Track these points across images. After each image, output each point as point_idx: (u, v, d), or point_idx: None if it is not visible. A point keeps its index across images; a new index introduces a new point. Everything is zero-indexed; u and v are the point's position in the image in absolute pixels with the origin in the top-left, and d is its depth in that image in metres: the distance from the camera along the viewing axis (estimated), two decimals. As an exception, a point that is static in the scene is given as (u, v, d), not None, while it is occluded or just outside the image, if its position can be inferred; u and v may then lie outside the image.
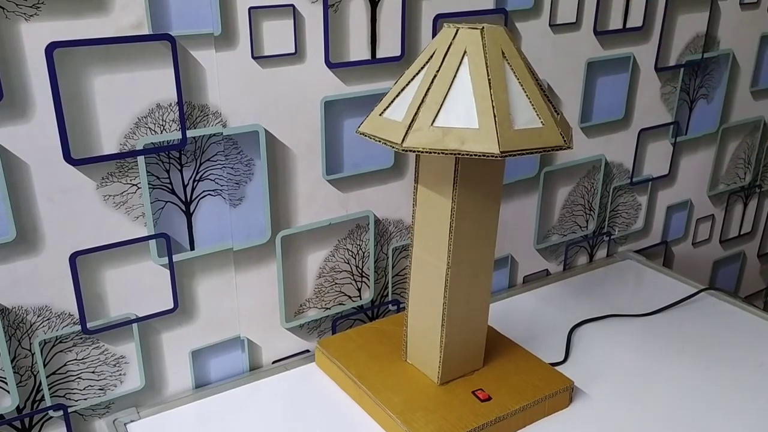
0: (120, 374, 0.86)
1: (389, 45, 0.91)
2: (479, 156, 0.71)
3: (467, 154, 0.72)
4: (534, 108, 0.75)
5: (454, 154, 0.72)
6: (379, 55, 0.91)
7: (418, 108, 0.74)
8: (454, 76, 0.74)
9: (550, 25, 1.04)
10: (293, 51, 0.85)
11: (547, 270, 1.22)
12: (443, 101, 0.74)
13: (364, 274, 1.01)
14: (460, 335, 0.87)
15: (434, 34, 0.94)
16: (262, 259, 0.91)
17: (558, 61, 1.07)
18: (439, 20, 0.94)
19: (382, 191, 0.98)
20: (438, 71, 0.75)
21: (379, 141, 0.76)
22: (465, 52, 0.74)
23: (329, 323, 1.01)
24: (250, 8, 0.80)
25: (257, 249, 0.91)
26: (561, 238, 1.21)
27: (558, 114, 0.79)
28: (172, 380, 0.90)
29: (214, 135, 0.83)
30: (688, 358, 1.00)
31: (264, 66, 0.83)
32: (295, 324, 0.98)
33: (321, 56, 0.87)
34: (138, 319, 0.85)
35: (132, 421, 0.85)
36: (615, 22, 1.11)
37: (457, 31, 0.75)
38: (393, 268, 1.04)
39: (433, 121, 0.73)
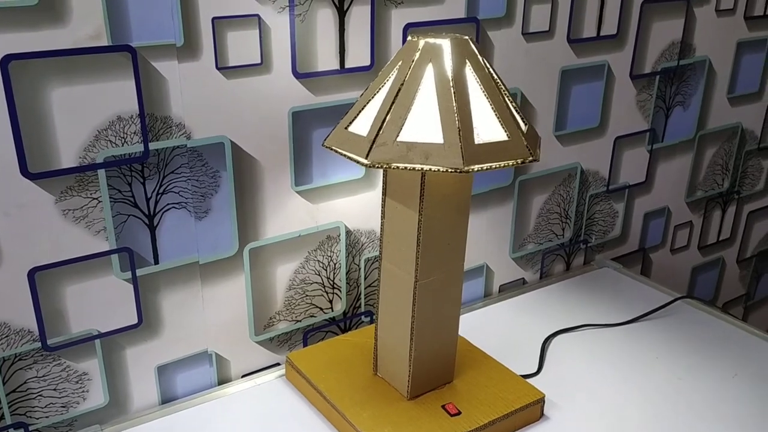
0: (83, 391, 0.84)
1: (358, 54, 0.90)
2: (444, 171, 0.70)
3: (432, 170, 0.70)
4: (500, 121, 0.73)
5: (419, 170, 0.71)
6: (348, 65, 0.90)
7: (383, 122, 0.73)
8: (419, 89, 0.73)
9: (523, 34, 1.03)
10: (259, 61, 0.83)
11: (523, 279, 1.21)
12: (407, 115, 0.72)
13: (335, 285, 1.00)
14: (430, 349, 0.86)
15: (404, 38, 0.93)
16: (230, 271, 0.90)
17: (531, 69, 1.06)
18: (409, 29, 0.93)
19: (353, 202, 0.97)
20: (402, 84, 0.73)
21: (345, 156, 0.74)
22: (430, 64, 0.73)
23: (300, 336, 1.00)
24: (214, 18, 0.79)
25: (224, 262, 0.89)
26: (537, 247, 1.20)
27: (527, 125, 0.78)
28: (137, 396, 0.88)
29: (178, 147, 0.81)
30: (662, 368, 0.99)
31: (229, 77, 0.82)
32: (265, 337, 0.96)
33: (288, 66, 0.85)
34: (101, 335, 0.83)
35: (95, 439, 0.84)
36: (589, 30, 1.10)
37: (422, 42, 0.74)
38: (365, 279, 1.02)
39: (398, 135, 0.72)
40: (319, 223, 0.95)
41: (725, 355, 1.03)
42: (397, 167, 0.71)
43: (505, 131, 0.73)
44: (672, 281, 1.46)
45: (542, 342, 1.04)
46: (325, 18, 0.86)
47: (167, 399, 0.91)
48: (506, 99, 0.76)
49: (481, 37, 0.99)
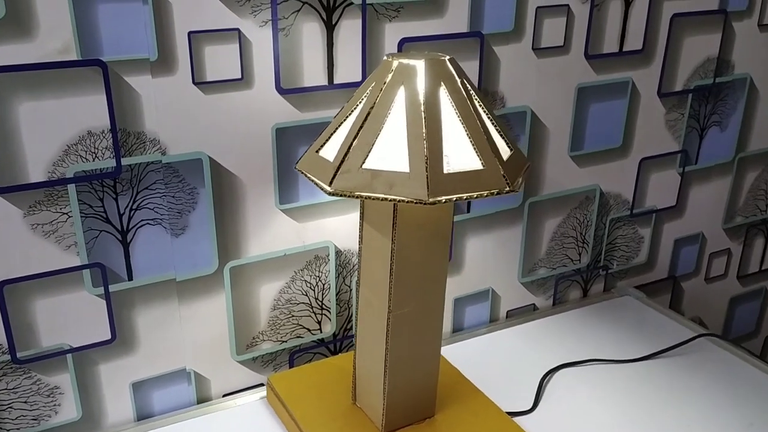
0: (54, 404, 0.84)
1: (349, 70, 0.86)
2: (408, 202, 0.66)
3: (394, 200, 0.66)
4: (474, 148, 0.69)
5: (382, 200, 0.67)
6: (338, 80, 0.86)
7: (349, 148, 0.69)
8: (389, 113, 0.69)
9: (533, 49, 0.98)
10: (239, 76, 0.81)
11: (534, 305, 1.15)
12: (375, 141, 0.68)
13: (324, 306, 0.97)
14: (407, 382, 0.82)
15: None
16: (210, 290, 0.88)
17: (544, 86, 1.00)
18: (405, 44, 0.89)
19: (344, 221, 0.93)
20: (372, 108, 0.69)
21: (312, 181, 0.71)
22: (402, 86, 0.69)
23: (286, 356, 0.97)
24: (190, 33, 0.77)
25: (203, 280, 0.87)
26: (550, 272, 1.14)
27: (513, 150, 0.73)
28: (112, 412, 0.87)
29: (153, 163, 0.79)
30: (672, 411, 0.92)
31: (207, 92, 0.79)
32: (248, 357, 0.94)
33: (271, 82, 0.82)
34: (72, 350, 0.82)
35: (65, 453, 0.83)
36: (610, 45, 1.03)
37: (395, 63, 0.70)
38: (357, 300, 0.99)
39: (363, 162, 0.68)
40: (306, 242, 0.92)
41: (744, 401, 0.94)
42: (360, 196, 0.67)
43: (480, 159, 0.68)
44: (706, 312, 1.37)
45: (541, 377, 0.98)
46: (311, 32, 0.83)
47: (143, 416, 0.90)
48: (486, 124, 0.71)
49: (486, 53, 0.94)
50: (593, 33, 1.01)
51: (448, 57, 0.71)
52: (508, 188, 0.69)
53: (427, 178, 0.66)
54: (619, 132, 1.10)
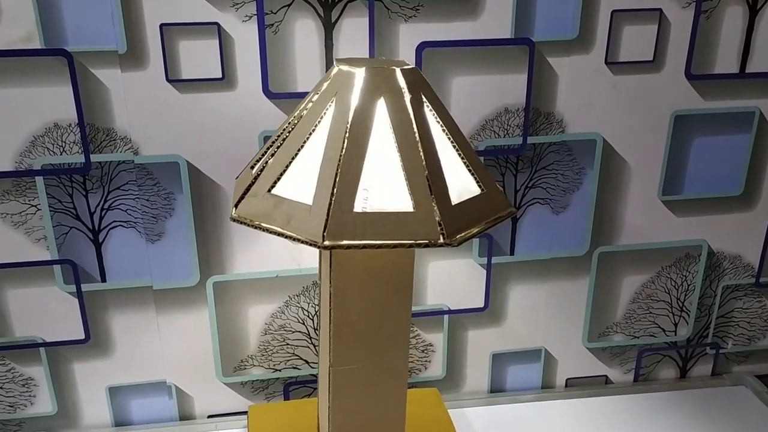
0: (30, 395, 0.83)
1: (354, 76, 0.75)
2: (302, 242, 0.53)
3: (290, 237, 0.54)
4: (407, 183, 0.54)
5: (278, 234, 0.55)
6: (340, 87, 0.75)
7: (263, 168, 0.58)
8: (312, 130, 0.56)
9: (607, 63, 0.78)
10: (220, 76, 0.73)
11: (606, 377, 0.94)
12: (290, 163, 0.57)
13: (327, 339, 0.86)
14: (357, 450, 0.69)
15: (417, 63, 0.75)
16: (191, 303, 0.81)
17: (621, 110, 0.80)
18: (424, 49, 0.75)
19: (351, 247, 0.82)
20: (297, 122, 0.58)
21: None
22: (334, 99, 0.56)
23: (280, 387, 0.88)
24: (162, 25, 0.70)
25: (184, 292, 0.81)
26: (629, 340, 0.92)
27: (484, 190, 0.57)
28: (88, 412, 0.85)
29: (124, 162, 0.75)
30: None
31: (183, 91, 0.73)
32: (236, 380, 0.86)
33: (257, 84, 0.74)
34: (46, 344, 0.81)
35: (35, 446, 0.82)
36: (725, 64, 0.80)
37: (335, 69, 0.57)
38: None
39: (273, 186, 0.57)
40: (302, 266, 0.82)
41: None
42: (257, 227, 0.56)
43: (412, 198, 0.54)
44: None
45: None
46: (306, 31, 0.72)
47: (121, 422, 0.86)
48: (437, 154, 0.56)
49: (537, 65, 0.77)
50: (699, 47, 0.78)
51: (409, 66, 0.57)
52: (441, 240, 0.53)
53: (328, 214, 0.53)
54: (740, 176, 0.85)
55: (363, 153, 0.54)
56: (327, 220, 0.53)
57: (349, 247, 0.53)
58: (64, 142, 0.73)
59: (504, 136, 0.80)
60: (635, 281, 0.89)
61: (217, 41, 0.72)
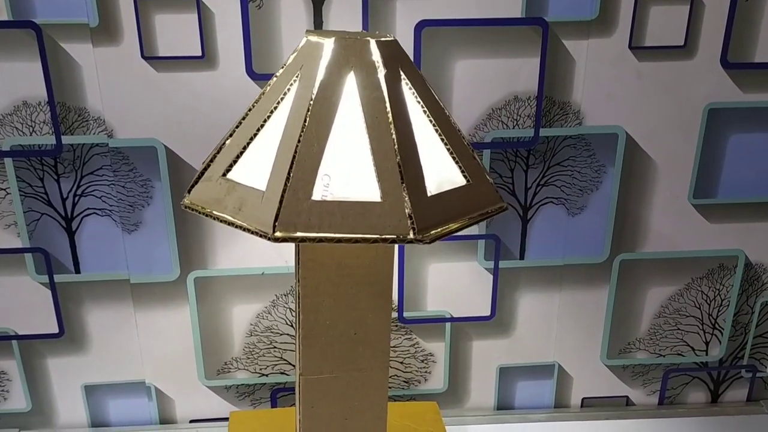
0: (2, 390, 0.79)
1: (346, 56, 0.68)
2: (252, 232, 0.47)
3: (238, 227, 0.48)
4: (375, 170, 0.47)
5: (229, 223, 0.48)
6: (330, 68, 0.68)
7: (219, 149, 0.52)
8: (275, 108, 0.50)
9: (631, 48, 0.69)
10: (200, 54, 0.67)
11: (627, 398, 0.85)
12: (249, 144, 0.50)
13: (317, 343, 0.79)
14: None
15: (416, 44, 0.68)
16: (170, 299, 0.76)
17: (649, 102, 0.72)
18: (424, 28, 0.68)
19: (343, 245, 0.75)
20: (258, 100, 0.51)
21: (194, 184, 0.55)
22: (299, 73, 0.50)
23: (267, 393, 0.82)
24: (137, -4, 0.65)
25: (163, 286, 0.75)
26: (653, 358, 0.83)
27: (470, 181, 0.50)
28: (64, 410, 0.80)
29: (98, 145, 0.70)
30: None
31: (159, 69, 0.67)
32: (219, 384, 0.80)
33: (240, 63, 0.68)
34: (18, 337, 0.76)
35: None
36: (767, 52, 0.70)
37: (304, 40, 0.51)
38: (361, 344, 0.80)
39: (228, 170, 0.50)
40: (289, 263, 0.76)
41: None
42: (211, 214, 0.50)
43: (379, 187, 0.47)
44: None
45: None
46: (293, 6, 0.66)
47: (98, 422, 0.81)
48: (415, 137, 0.49)
49: (552, 48, 0.69)
50: (737, 31, 0.69)
51: (387, 38, 0.50)
52: (412, 235, 0.46)
53: (281, 203, 0.46)
54: (783, 179, 0.76)
55: (326, 133, 0.47)
56: (279, 208, 0.46)
57: (303, 240, 0.46)
58: (34, 121, 0.68)
59: (513, 128, 0.72)
60: (661, 293, 0.80)
61: (196, 16, 0.66)
